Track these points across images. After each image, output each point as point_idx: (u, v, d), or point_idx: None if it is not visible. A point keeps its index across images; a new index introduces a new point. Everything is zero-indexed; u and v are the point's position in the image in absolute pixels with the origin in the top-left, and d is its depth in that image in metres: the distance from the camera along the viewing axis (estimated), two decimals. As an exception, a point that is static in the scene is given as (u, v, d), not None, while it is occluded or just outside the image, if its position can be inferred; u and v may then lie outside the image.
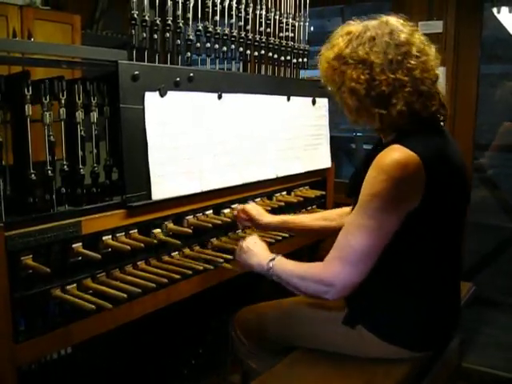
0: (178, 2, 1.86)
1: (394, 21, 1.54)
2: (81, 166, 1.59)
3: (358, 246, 1.45)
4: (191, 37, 1.94)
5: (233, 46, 2.13)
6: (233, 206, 2.09)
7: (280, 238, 2.12)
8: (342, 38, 1.56)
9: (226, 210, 2.07)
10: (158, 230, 1.77)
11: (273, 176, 2.31)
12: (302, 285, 1.57)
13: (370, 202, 1.44)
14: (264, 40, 2.32)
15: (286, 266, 1.63)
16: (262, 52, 2.33)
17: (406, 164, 1.41)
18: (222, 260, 1.84)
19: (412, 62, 1.48)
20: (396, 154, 1.43)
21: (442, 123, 1.62)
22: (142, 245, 1.63)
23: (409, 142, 1.45)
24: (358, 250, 1.45)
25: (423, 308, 1.59)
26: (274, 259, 1.65)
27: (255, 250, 1.73)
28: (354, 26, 1.58)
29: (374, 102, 1.50)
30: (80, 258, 1.52)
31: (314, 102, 2.61)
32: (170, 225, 1.81)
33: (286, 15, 2.47)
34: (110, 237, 1.62)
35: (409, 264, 1.56)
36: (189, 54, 1.95)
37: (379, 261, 1.50)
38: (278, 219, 2.02)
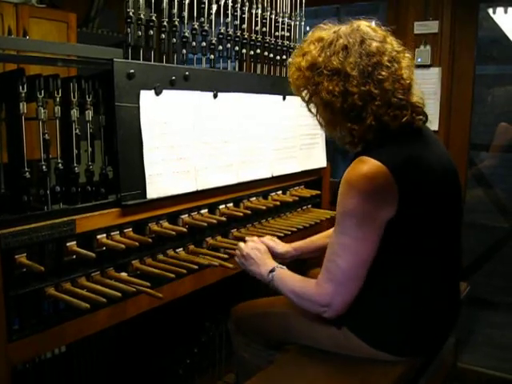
0: (174, 1, 1.86)
1: (366, 26, 1.51)
2: (75, 165, 1.58)
3: (345, 266, 1.46)
4: (187, 34, 1.93)
5: (228, 45, 2.13)
6: (228, 205, 2.09)
7: (282, 234, 2.12)
8: (313, 46, 1.52)
9: (221, 206, 2.07)
10: (153, 223, 1.77)
11: (268, 175, 2.31)
12: (300, 303, 1.60)
13: (345, 221, 1.45)
14: (260, 39, 2.32)
15: (284, 281, 1.64)
16: (258, 51, 2.33)
17: (373, 177, 1.40)
18: (216, 263, 1.83)
19: (383, 73, 1.45)
20: (364, 167, 1.41)
21: (422, 127, 1.58)
22: (137, 243, 1.62)
23: (377, 153, 1.43)
24: (345, 270, 1.46)
25: (411, 315, 1.57)
26: (274, 271, 1.66)
27: (256, 257, 1.73)
28: (325, 31, 1.54)
29: (347, 115, 1.49)
30: (74, 256, 1.52)
31: (309, 102, 2.61)
32: (165, 223, 1.81)
33: (281, 14, 2.47)
34: (104, 235, 1.61)
35: (397, 269, 1.54)
36: (184, 51, 1.94)
37: (370, 267, 1.49)
38: (293, 247, 1.97)
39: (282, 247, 1.94)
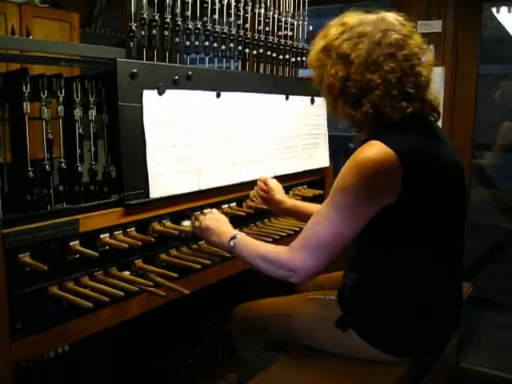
0: (177, 0, 1.86)
1: (393, 19, 1.51)
2: (79, 164, 1.58)
3: (324, 238, 1.46)
4: (190, 33, 1.93)
5: (231, 45, 2.13)
6: (231, 205, 2.10)
7: (285, 234, 2.13)
8: (335, 29, 1.54)
9: (225, 206, 2.07)
10: (156, 223, 1.78)
11: (271, 175, 2.31)
12: (265, 266, 1.58)
13: (339, 197, 1.44)
14: (263, 38, 2.32)
15: (248, 246, 1.63)
16: (261, 51, 2.33)
17: (379, 161, 1.40)
18: (218, 259, 1.83)
19: (391, 64, 1.45)
20: (372, 150, 1.41)
21: (433, 122, 1.60)
22: (140, 243, 1.62)
23: (388, 138, 1.43)
24: (324, 241, 1.46)
25: (416, 316, 1.56)
26: (235, 237, 1.65)
27: (216, 227, 1.72)
28: (351, 17, 1.55)
29: (346, 100, 1.51)
30: (77, 255, 1.52)
31: (312, 101, 2.61)
32: (168, 223, 1.81)
33: (284, 14, 2.46)
34: (107, 235, 1.61)
35: (401, 270, 1.53)
36: (187, 44, 1.93)
37: (372, 266, 1.49)
38: (291, 200, 2.05)
39: (279, 195, 2.00)
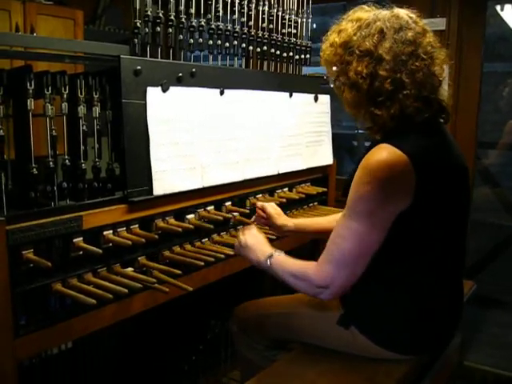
0: (181, -2, 1.86)
1: (406, 15, 1.50)
2: (82, 161, 1.59)
3: (348, 250, 1.43)
4: (193, 31, 1.93)
5: (235, 42, 2.13)
6: (230, 207, 2.10)
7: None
8: (350, 24, 1.51)
9: (228, 203, 2.07)
10: (159, 220, 1.78)
11: (274, 172, 2.31)
12: (297, 284, 1.56)
13: (357, 206, 1.42)
14: (266, 36, 2.32)
15: (283, 265, 1.61)
16: (265, 48, 2.32)
17: (392, 164, 1.37)
18: (223, 255, 1.84)
19: (416, 63, 1.43)
20: (383, 153, 1.39)
21: (442, 124, 1.58)
22: (143, 240, 1.63)
23: (399, 141, 1.41)
24: (348, 254, 1.44)
25: (418, 313, 1.56)
26: (271, 256, 1.64)
27: (254, 245, 1.71)
28: (365, 12, 1.53)
29: (371, 99, 1.46)
30: (81, 252, 1.52)
31: (316, 99, 2.61)
32: (171, 220, 1.81)
33: (288, 11, 2.46)
34: (111, 232, 1.62)
35: (404, 267, 1.53)
36: (191, 41, 1.93)
37: (374, 263, 1.49)
38: (293, 222, 1.99)
39: (280, 220, 1.95)
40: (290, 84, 2.44)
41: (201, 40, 1.97)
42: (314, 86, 2.60)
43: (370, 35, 1.46)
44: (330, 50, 1.54)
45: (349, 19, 1.54)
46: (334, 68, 1.55)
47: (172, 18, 1.84)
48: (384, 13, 1.50)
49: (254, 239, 1.73)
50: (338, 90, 1.58)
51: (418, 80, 1.43)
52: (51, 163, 1.50)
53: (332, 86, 1.62)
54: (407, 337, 1.58)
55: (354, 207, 1.43)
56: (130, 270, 1.66)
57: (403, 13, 1.50)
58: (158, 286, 1.58)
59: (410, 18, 1.50)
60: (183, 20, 1.87)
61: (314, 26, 2.86)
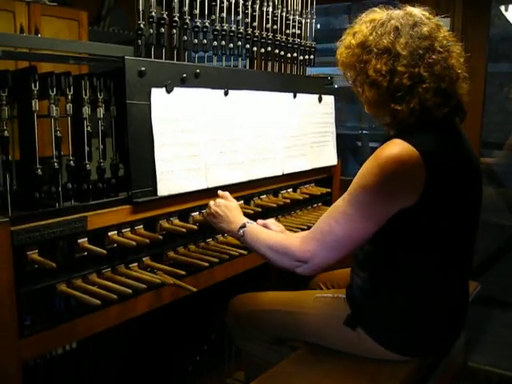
0: (185, -1, 1.86)
1: (419, 12, 1.51)
2: (87, 162, 1.59)
3: (339, 234, 1.44)
4: (198, 32, 1.93)
5: (239, 43, 2.13)
6: (239, 203, 2.09)
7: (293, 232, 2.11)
8: (365, 25, 1.52)
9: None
10: (164, 221, 1.78)
11: (279, 173, 2.31)
12: (273, 256, 1.57)
13: (359, 194, 1.42)
14: (271, 37, 2.32)
15: (257, 236, 1.62)
16: (269, 49, 2.32)
17: (403, 160, 1.37)
18: (227, 256, 1.84)
19: (433, 56, 1.44)
20: (395, 148, 1.39)
21: (457, 123, 1.58)
22: (148, 240, 1.63)
23: (413, 137, 1.41)
24: (338, 238, 1.45)
25: (424, 316, 1.56)
26: (245, 226, 1.64)
27: (225, 214, 1.72)
28: (378, 13, 1.54)
29: (392, 96, 1.46)
30: (86, 253, 1.52)
31: (320, 100, 2.60)
32: (176, 221, 1.82)
33: (292, 12, 2.46)
34: (115, 232, 1.62)
35: (410, 268, 1.53)
36: (195, 42, 1.93)
37: (381, 264, 1.48)
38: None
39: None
40: (294, 85, 2.44)
41: (205, 41, 1.98)
42: (318, 87, 2.59)
43: (386, 33, 1.46)
44: (347, 52, 1.55)
45: (362, 21, 1.55)
46: (352, 70, 1.55)
47: (176, 18, 1.84)
48: (397, 12, 1.52)
49: (225, 209, 1.74)
50: (357, 91, 1.58)
51: (436, 73, 1.44)
52: (56, 164, 1.51)
53: (352, 87, 1.61)
54: (413, 339, 1.58)
55: (355, 194, 1.43)
56: (134, 266, 1.66)
57: (416, 11, 1.52)
58: (161, 276, 1.58)
59: (423, 14, 1.52)
60: (187, 21, 1.88)
61: (318, 26, 2.86)
